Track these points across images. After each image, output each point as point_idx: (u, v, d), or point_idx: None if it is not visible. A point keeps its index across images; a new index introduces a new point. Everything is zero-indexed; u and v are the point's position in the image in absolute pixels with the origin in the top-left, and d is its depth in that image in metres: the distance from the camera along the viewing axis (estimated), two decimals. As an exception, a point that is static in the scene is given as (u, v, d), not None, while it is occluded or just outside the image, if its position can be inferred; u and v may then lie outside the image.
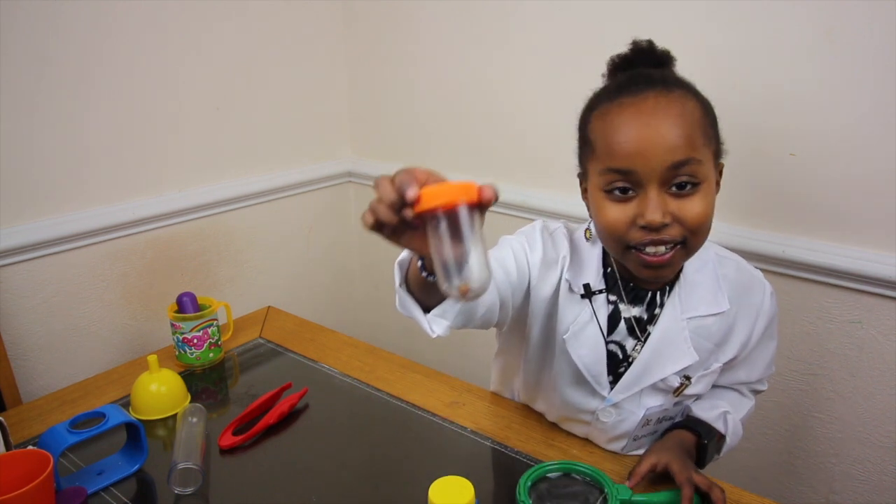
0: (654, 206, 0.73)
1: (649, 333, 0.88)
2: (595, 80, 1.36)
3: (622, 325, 0.88)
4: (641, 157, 0.73)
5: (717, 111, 1.10)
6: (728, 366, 0.91)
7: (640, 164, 0.73)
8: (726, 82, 1.09)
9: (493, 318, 0.83)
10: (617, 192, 0.76)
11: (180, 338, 1.21)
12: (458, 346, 1.67)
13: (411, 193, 0.53)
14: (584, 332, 0.87)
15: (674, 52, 1.12)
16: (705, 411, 0.92)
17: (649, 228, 0.74)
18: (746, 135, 1.09)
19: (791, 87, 1.03)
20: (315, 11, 1.57)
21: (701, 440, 0.89)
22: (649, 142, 0.73)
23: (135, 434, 0.94)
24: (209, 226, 1.46)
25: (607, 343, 0.88)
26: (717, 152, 0.80)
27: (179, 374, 1.14)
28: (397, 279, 0.72)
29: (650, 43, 0.83)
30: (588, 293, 0.87)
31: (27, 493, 0.73)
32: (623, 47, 0.84)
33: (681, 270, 0.86)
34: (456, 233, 0.54)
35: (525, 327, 0.93)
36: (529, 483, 0.85)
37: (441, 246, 0.55)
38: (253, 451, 0.99)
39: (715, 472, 0.92)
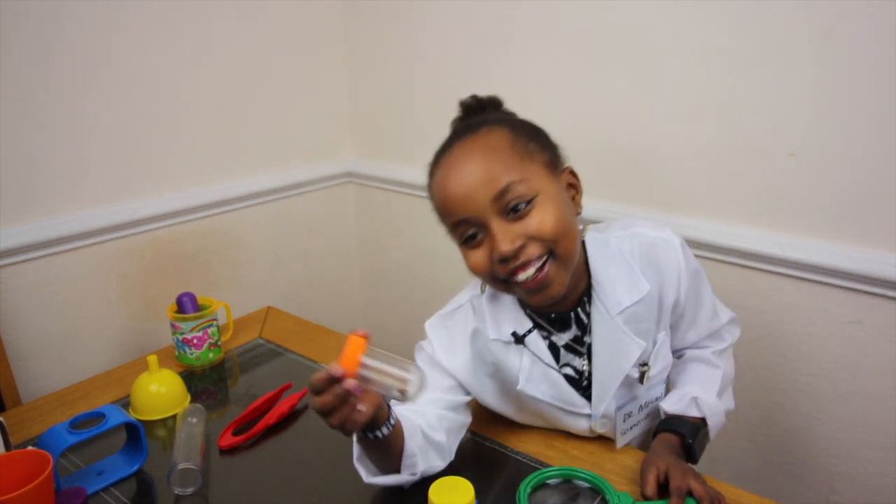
0: (501, 238, 0.78)
1: (590, 345, 0.90)
2: (596, 79, 1.35)
3: (562, 351, 0.92)
4: (467, 202, 0.79)
5: (717, 111, 1.11)
6: (674, 330, 0.95)
7: (469, 210, 0.79)
8: (726, 82, 1.09)
9: (466, 426, 0.94)
10: (469, 241, 0.82)
11: (180, 338, 1.21)
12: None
13: (336, 369, 0.69)
14: (533, 373, 0.90)
15: (673, 54, 1.13)
16: (675, 405, 0.93)
17: (505, 260, 0.79)
18: (747, 135, 1.09)
19: (791, 87, 1.03)
20: (315, 11, 1.57)
21: (685, 440, 0.90)
22: (465, 187, 0.79)
23: (134, 434, 0.94)
24: (209, 226, 1.46)
25: (560, 371, 0.91)
26: (553, 160, 0.84)
27: (179, 374, 1.14)
28: (368, 472, 0.83)
29: (474, 97, 0.90)
30: (518, 339, 0.90)
31: (27, 493, 0.73)
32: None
33: (590, 277, 0.89)
34: (377, 366, 0.72)
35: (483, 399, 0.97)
36: (529, 489, 0.84)
37: (380, 378, 0.71)
38: (253, 452, 0.99)
39: (715, 472, 0.92)
